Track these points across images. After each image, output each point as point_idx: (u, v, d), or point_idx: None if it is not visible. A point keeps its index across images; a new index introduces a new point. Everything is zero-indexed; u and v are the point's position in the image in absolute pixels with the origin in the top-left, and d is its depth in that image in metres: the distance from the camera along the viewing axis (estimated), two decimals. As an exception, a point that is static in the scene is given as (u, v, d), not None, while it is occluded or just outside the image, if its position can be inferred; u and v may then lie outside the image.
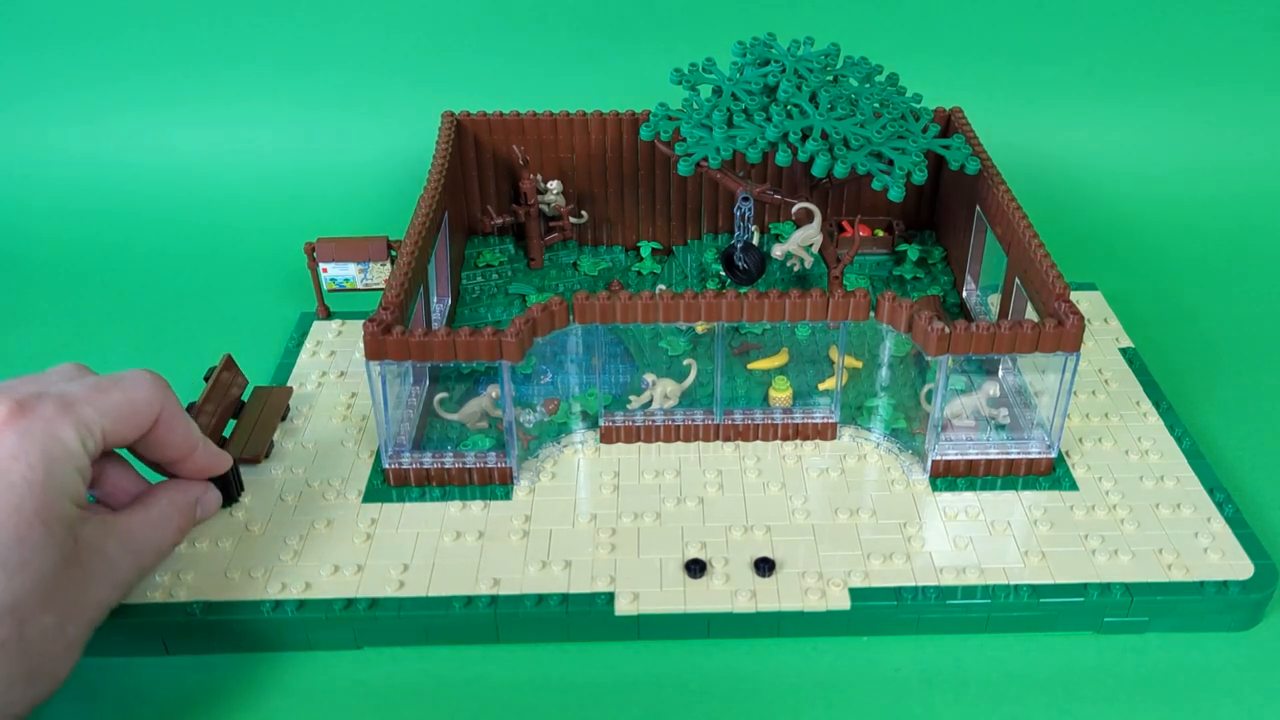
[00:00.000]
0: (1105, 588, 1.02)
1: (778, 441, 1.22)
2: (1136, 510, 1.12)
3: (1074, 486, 1.16)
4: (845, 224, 1.58)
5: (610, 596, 1.02)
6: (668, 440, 1.23)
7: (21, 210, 1.83)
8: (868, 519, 1.11)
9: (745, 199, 1.43)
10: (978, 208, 1.41)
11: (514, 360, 1.08)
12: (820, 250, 1.37)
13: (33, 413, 0.65)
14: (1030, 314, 1.21)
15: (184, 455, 0.81)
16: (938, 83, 1.50)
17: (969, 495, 1.15)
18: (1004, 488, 1.16)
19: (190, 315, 1.57)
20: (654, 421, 1.22)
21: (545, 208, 1.55)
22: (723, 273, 1.48)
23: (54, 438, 0.66)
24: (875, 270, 1.56)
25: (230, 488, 1.12)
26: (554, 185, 1.55)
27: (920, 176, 1.27)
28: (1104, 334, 1.44)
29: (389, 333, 1.07)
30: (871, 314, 1.14)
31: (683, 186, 1.58)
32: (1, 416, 0.65)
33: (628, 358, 1.35)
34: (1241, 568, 1.05)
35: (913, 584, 1.03)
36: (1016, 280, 1.26)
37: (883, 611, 1.02)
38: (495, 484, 1.16)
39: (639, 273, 1.57)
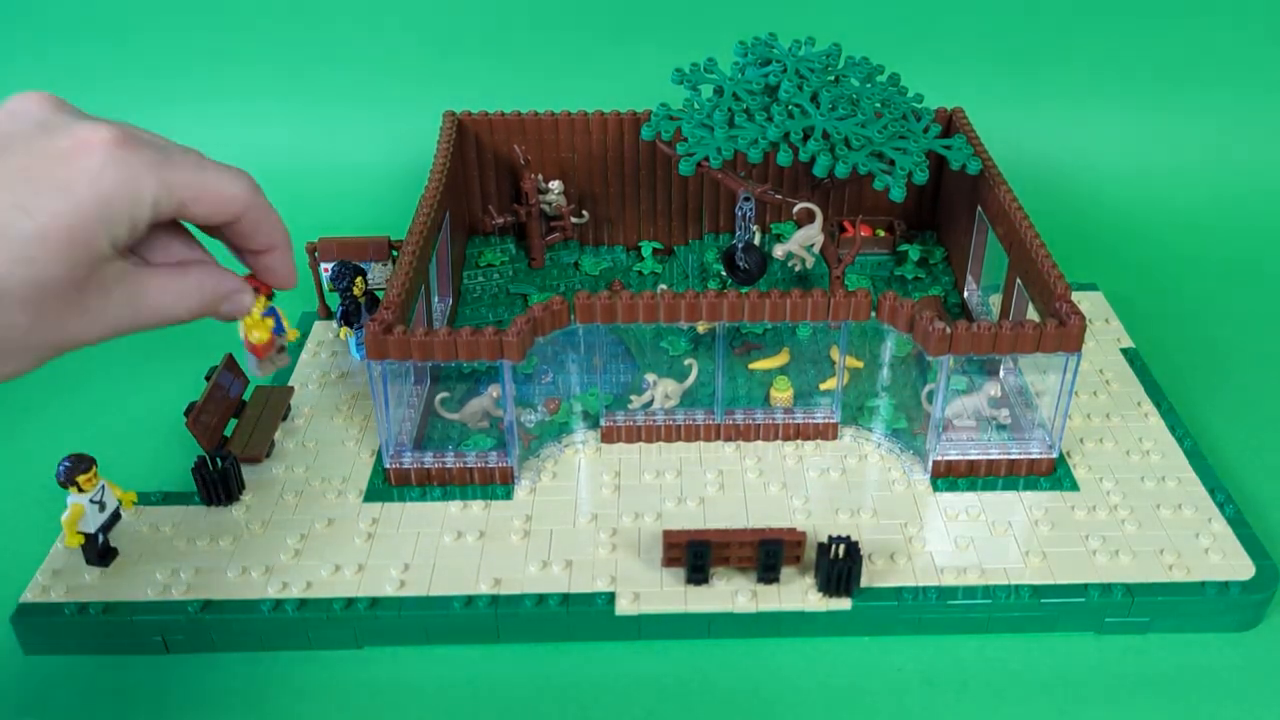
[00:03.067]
0: (1106, 588, 1.02)
1: (779, 441, 1.22)
2: (1137, 511, 1.12)
3: (1075, 487, 1.15)
4: (846, 224, 1.58)
5: (611, 596, 1.02)
6: (669, 440, 1.23)
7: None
8: (869, 519, 1.11)
9: (746, 199, 1.43)
10: (979, 208, 1.41)
11: (515, 360, 1.08)
12: (821, 250, 1.37)
13: (132, 150, 0.68)
14: (1031, 314, 1.21)
15: (260, 249, 0.82)
16: (939, 83, 1.50)
17: (970, 495, 1.15)
18: (1005, 488, 1.16)
19: (191, 315, 1.57)
20: (655, 421, 1.22)
21: (546, 207, 1.55)
22: (724, 273, 1.47)
23: (134, 179, 0.68)
24: (876, 270, 1.56)
25: (231, 485, 1.12)
26: (555, 185, 1.55)
27: (921, 177, 1.27)
28: (1105, 334, 1.44)
29: (390, 332, 1.07)
30: (873, 314, 1.14)
31: (684, 186, 1.58)
32: (106, 136, 0.67)
33: (629, 357, 1.35)
34: (1243, 568, 1.05)
35: (914, 584, 1.03)
36: (1018, 280, 1.26)
37: (884, 612, 1.02)
38: (496, 483, 1.16)
39: (640, 272, 1.57)
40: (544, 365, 1.32)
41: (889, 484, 1.16)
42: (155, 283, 0.75)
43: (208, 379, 1.22)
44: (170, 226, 0.78)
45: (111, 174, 0.67)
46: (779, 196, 1.38)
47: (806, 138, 1.26)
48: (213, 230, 0.79)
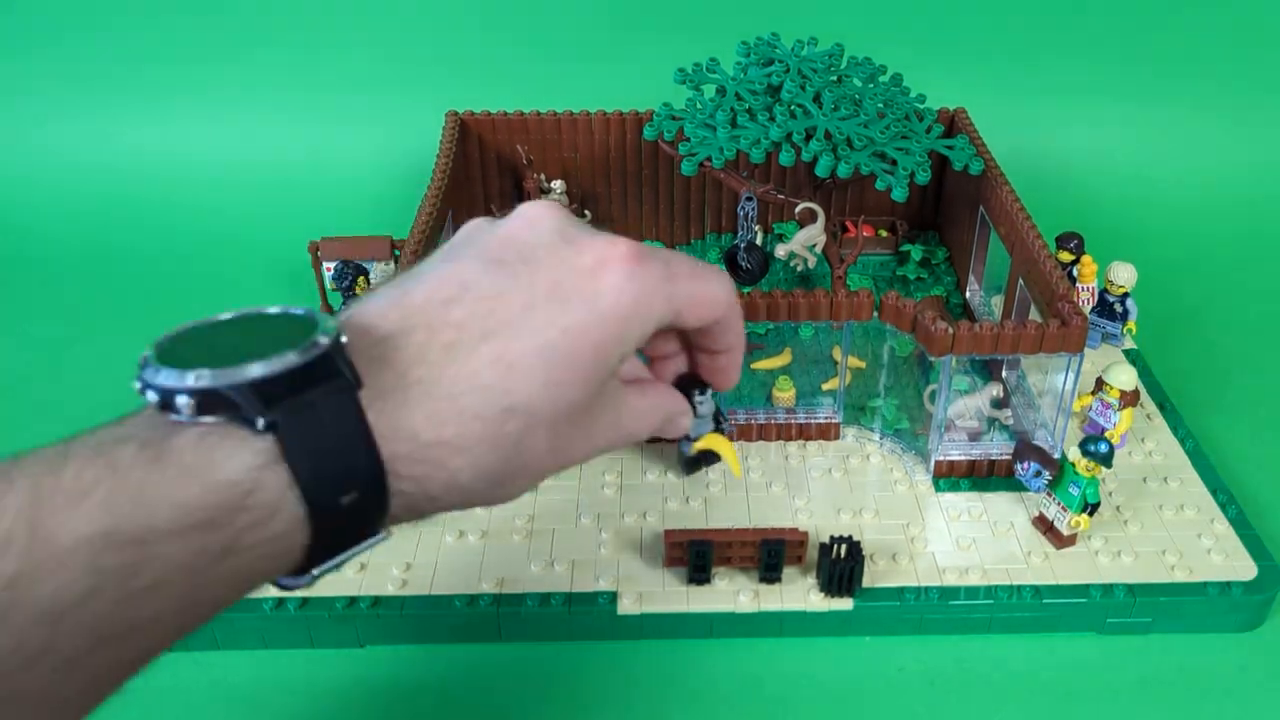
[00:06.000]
0: (1108, 589, 1.02)
1: (781, 441, 1.22)
2: (1139, 511, 1.12)
3: (1077, 487, 1.15)
4: (849, 224, 1.58)
5: (613, 596, 1.02)
6: (670, 439, 1.22)
7: (23, 208, 1.83)
8: (871, 519, 1.11)
9: (748, 199, 1.43)
10: (981, 208, 1.41)
11: (517, 359, 1.08)
12: (824, 250, 1.37)
13: (647, 265, 0.63)
14: (1034, 314, 1.21)
15: (720, 350, 0.76)
16: (942, 83, 1.50)
17: (972, 496, 1.15)
18: (1007, 488, 1.16)
19: (194, 314, 1.55)
20: (657, 421, 1.22)
21: (548, 207, 1.54)
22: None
23: (649, 296, 0.63)
24: (879, 270, 1.56)
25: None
26: (558, 185, 1.55)
27: (924, 177, 1.27)
28: (1107, 335, 1.43)
29: (392, 332, 1.06)
30: (875, 314, 1.14)
31: (686, 186, 1.58)
32: (623, 254, 0.62)
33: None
34: (1245, 569, 1.05)
35: (916, 584, 1.03)
36: (1020, 281, 1.26)
37: (886, 612, 1.02)
38: (498, 483, 1.15)
39: (642, 272, 1.57)
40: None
41: (891, 484, 1.16)
42: (629, 402, 0.70)
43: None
44: None
45: (631, 291, 0.62)
46: (781, 196, 1.38)
47: (809, 138, 1.26)
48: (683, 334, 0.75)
